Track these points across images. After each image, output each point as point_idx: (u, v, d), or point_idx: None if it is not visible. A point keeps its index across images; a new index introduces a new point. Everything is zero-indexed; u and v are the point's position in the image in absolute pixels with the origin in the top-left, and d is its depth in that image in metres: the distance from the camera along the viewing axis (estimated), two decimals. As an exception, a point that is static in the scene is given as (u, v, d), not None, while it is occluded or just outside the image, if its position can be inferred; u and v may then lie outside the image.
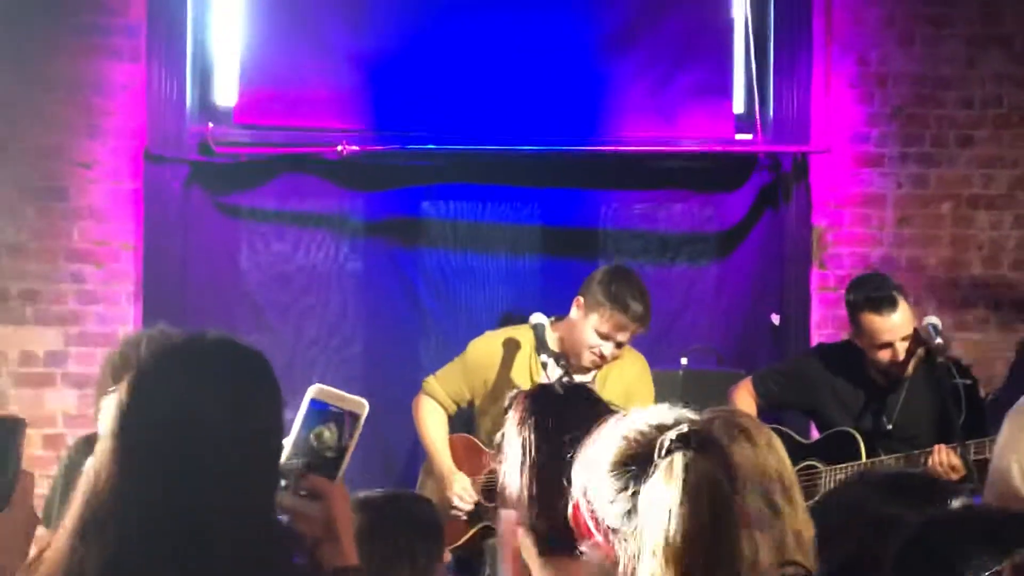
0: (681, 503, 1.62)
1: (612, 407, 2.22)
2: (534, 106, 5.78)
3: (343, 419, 1.94)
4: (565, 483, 1.81)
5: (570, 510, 1.77)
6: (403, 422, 5.46)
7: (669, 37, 5.89)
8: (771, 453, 2.44)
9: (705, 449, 1.66)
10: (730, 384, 4.85)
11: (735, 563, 1.64)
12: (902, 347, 4.25)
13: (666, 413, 1.74)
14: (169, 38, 5.71)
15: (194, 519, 1.69)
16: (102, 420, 2.83)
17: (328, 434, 1.93)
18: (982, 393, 4.77)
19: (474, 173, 5.86)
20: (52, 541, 1.75)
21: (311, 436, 1.92)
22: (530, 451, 2.04)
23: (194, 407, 1.73)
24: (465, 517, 4.48)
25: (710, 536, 1.62)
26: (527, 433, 2.06)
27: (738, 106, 5.98)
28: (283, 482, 1.88)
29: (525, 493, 2.03)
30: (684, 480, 1.63)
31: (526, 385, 4.32)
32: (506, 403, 2.20)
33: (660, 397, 5.00)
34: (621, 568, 1.66)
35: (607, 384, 4.36)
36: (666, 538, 1.61)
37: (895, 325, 4.24)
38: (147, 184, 5.68)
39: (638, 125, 5.87)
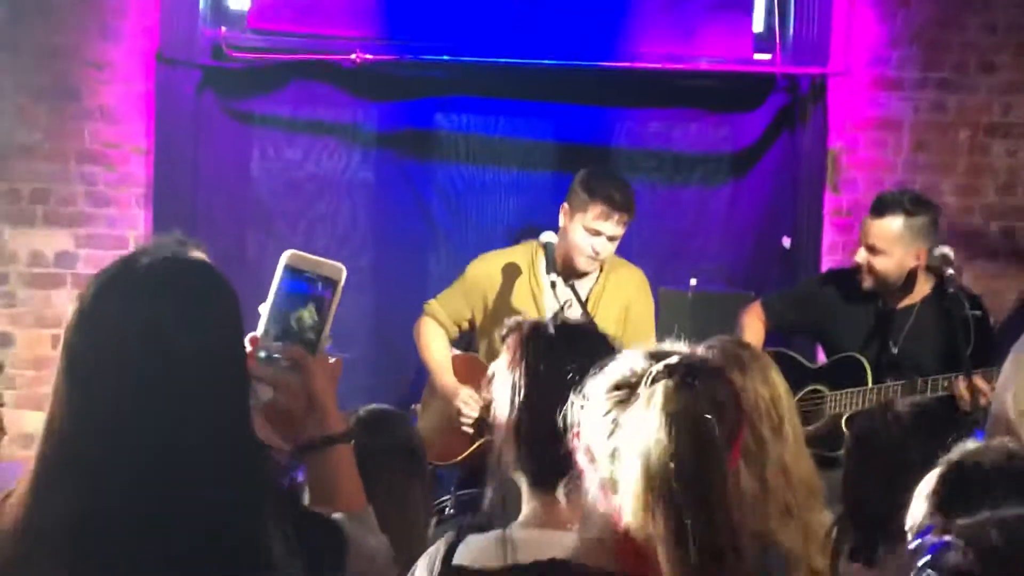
0: (659, 432, 1.58)
1: (610, 342, 2.19)
2: (550, 20, 5.70)
3: (321, 295, 1.89)
4: (554, 426, 1.78)
5: (570, 439, 1.74)
6: (411, 333, 5.49)
7: (690, -47, 5.81)
8: (763, 385, 2.43)
9: (690, 381, 1.62)
10: (738, 305, 4.84)
11: (721, 496, 1.60)
12: (874, 258, 4.23)
13: (668, 346, 1.71)
14: (184, -62, 5.64)
15: (162, 438, 1.62)
16: None
17: (308, 316, 1.88)
18: (992, 323, 4.76)
19: (488, 86, 5.80)
20: (17, 483, 1.67)
21: (291, 319, 1.87)
22: (519, 393, 2.02)
23: (143, 324, 1.64)
24: (472, 428, 4.50)
25: (690, 467, 1.58)
26: (517, 376, 2.04)
27: (757, 25, 5.89)
28: (263, 353, 1.86)
29: (512, 434, 2.03)
30: (663, 410, 1.60)
31: (527, 305, 4.33)
32: (503, 332, 2.18)
33: (669, 316, 5.02)
34: (593, 487, 1.65)
35: (604, 295, 4.43)
36: (645, 466, 1.58)
37: (870, 229, 4.25)
38: (159, 87, 5.63)
39: (655, 42, 5.79)
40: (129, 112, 5.65)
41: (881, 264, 4.25)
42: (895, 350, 4.31)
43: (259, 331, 1.87)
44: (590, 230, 4.30)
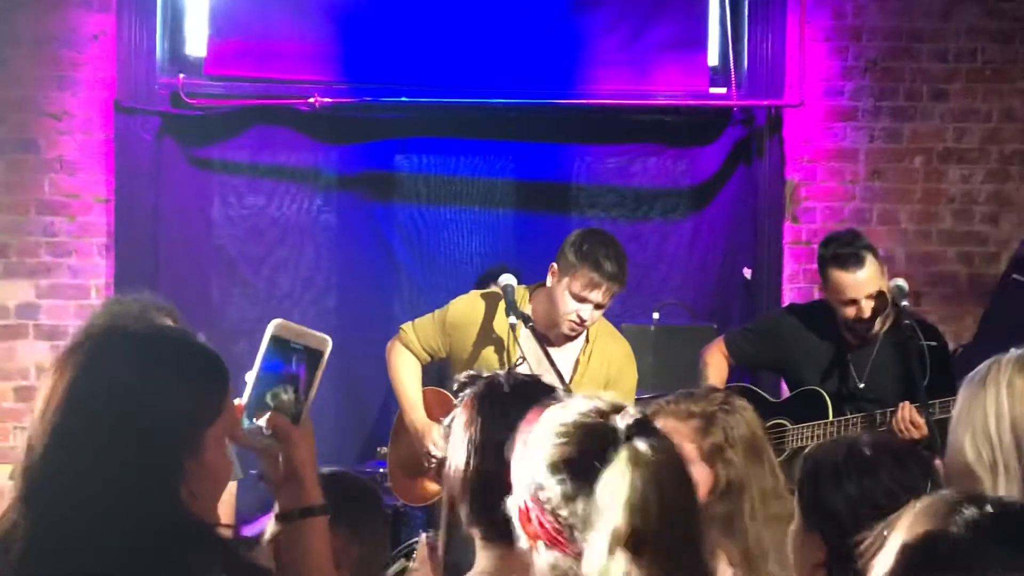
0: (640, 491, 1.63)
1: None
2: (507, 59, 5.75)
3: (297, 372, 1.92)
4: (508, 486, 1.83)
5: (516, 511, 1.77)
6: (376, 375, 5.48)
7: (645, -12, 5.87)
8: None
9: (656, 435, 1.70)
10: (701, 338, 4.86)
11: (699, 548, 1.67)
12: (867, 305, 4.24)
13: (595, 401, 1.76)
14: (139, -14, 5.65)
15: (111, 503, 1.69)
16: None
17: (285, 397, 1.90)
18: (951, 348, 4.80)
19: (447, 126, 5.83)
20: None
21: (269, 394, 1.89)
22: (472, 453, 2.05)
23: (108, 394, 1.72)
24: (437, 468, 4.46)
25: (670, 521, 1.64)
26: (473, 434, 2.07)
27: (712, 59, 5.96)
28: (247, 422, 1.88)
29: (467, 492, 2.05)
30: (641, 468, 1.64)
31: (496, 350, 4.25)
32: (455, 387, 2.20)
33: (633, 352, 5.04)
34: (568, 556, 1.68)
35: (590, 365, 4.24)
36: (628, 525, 1.62)
37: (859, 282, 4.24)
38: (118, 136, 5.64)
39: (612, 78, 5.84)
40: (88, 162, 5.64)
41: (877, 304, 4.27)
42: (861, 384, 4.33)
43: (243, 399, 1.90)
44: (576, 296, 4.07)
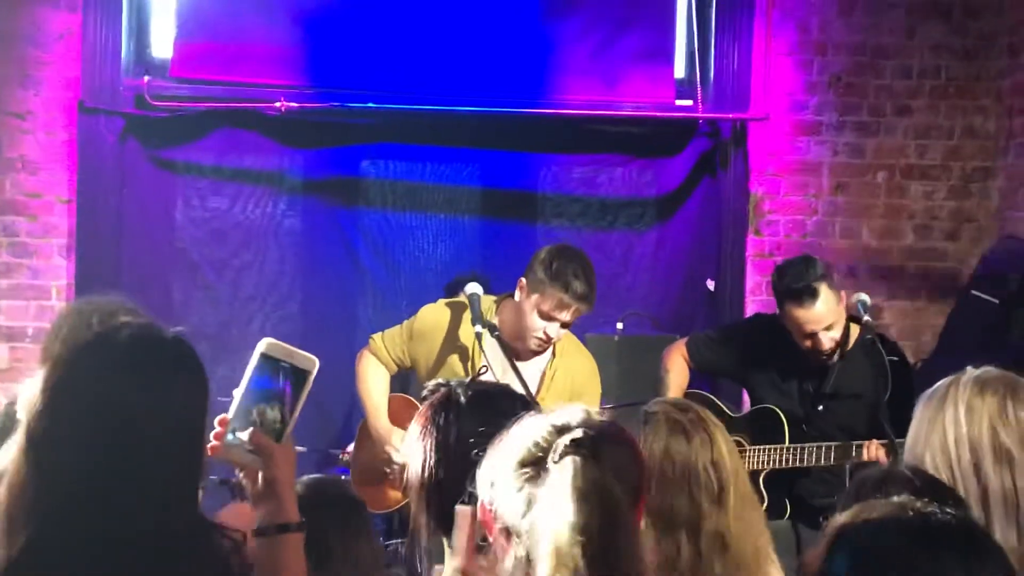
0: (571, 508, 1.64)
1: (525, 403, 2.21)
2: (476, 67, 5.76)
3: (285, 391, 1.94)
4: (466, 495, 1.84)
5: (478, 506, 1.79)
6: (340, 381, 5.45)
7: (613, 0, 5.89)
8: (704, 449, 2.43)
9: (597, 454, 1.68)
10: (664, 349, 4.85)
11: (632, 565, 1.66)
12: (826, 336, 4.18)
13: (570, 415, 1.75)
14: (105, -13, 5.62)
15: (114, 514, 1.71)
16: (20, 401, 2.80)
17: (271, 414, 1.93)
18: (911, 362, 4.82)
19: (414, 133, 5.83)
20: None
21: (255, 412, 1.92)
22: (428, 463, 2.06)
23: (112, 405, 1.74)
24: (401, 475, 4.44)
25: (600, 540, 1.63)
26: (427, 445, 2.07)
27: (679, 71, 5.99)
28: (230, 436, 1.91)
29: (424, 502, 2.06)
30: (573, 485, 1.64)
31: (462, 359, 4.25)
32: (423, 394, 2.20)
33: (596, 361, 5.05)
34: (511, 564, 1.69)
35: (555, 380, 4.22)
36: (557, 541, 1.63)
37: (816, 316, 4.15)
38: (81, 136, 5.60)
39: (579, 88, 5.86)
40: (51, 162, 5.60)
41: (836, 334, 4.22)
42: (821, 403, 4.30)
43: (229, 414, 1.92)
44: (544, 315, 4.03)
